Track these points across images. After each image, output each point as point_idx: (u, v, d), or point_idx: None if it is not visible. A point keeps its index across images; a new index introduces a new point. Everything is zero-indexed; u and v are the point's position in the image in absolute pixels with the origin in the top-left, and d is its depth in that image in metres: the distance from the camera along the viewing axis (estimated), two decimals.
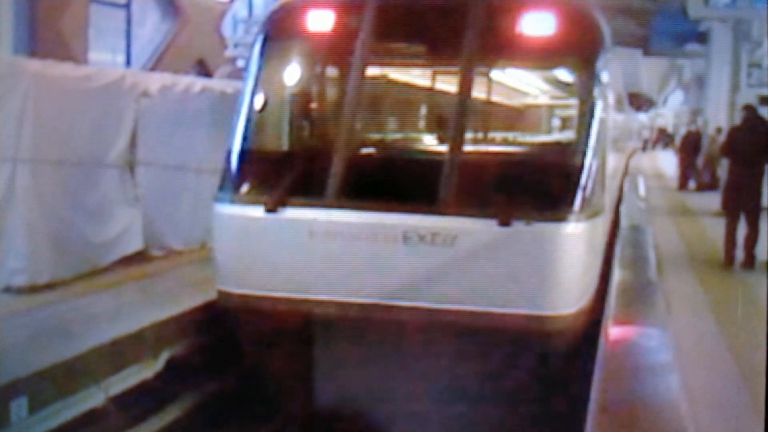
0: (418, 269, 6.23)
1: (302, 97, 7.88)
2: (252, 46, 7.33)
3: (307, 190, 6.53)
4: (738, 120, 11.36)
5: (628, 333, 5.65)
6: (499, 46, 6.94)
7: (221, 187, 6.88)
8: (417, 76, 8.75)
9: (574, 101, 7.81)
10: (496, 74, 8.46)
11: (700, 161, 19.92)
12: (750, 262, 9.38)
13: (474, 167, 6.56)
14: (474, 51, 6.67)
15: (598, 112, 6.73)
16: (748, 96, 16.81)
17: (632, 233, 9.84)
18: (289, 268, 6.48)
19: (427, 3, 6.89)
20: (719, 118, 19.02)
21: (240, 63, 18.28)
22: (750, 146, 9.55)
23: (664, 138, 47.67)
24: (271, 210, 6.44)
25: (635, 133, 34.08)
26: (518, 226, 6.07)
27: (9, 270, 7.46)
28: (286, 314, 6.47)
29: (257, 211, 6.49)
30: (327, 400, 6.67)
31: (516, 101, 11.57)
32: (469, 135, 7.36)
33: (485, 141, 8.25)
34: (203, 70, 18.42)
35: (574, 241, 6.31)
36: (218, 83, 11.11)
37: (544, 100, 11.99)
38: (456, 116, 6.68)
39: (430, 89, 8.41)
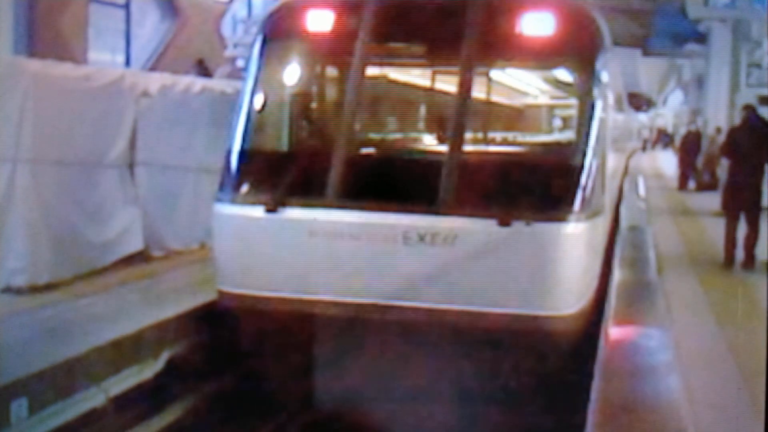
0: (418, 269, 6.23)
1: (302, 97, 7.88)
2: (251, 46, 7.33)
3: (307, 190, 6.53)
4: (738, 120, 11.36)
5: (628, 333, 5.65)
6: (499, 47, 6.94)
7: (221, 187, 6.87)
8: (416, 76, 8.76)
9: (573, 101, 7.82)
10: (495, 74, 8.48)
11: (699, 161, 19.92)
12: (750, 262, 9.38)
13: (474, 167, 6.56)
14: (473, 51, 6.66)
15: (598, 112, 6.72)
16: (747, 96, 16.81)
17: (632, 233, 9.83)
18: (289, 268, 6.48)
19: (426, 3, 6.88)
20: (719, 118, 19.03)
21: (239, 63, 18.30)
22: (750, 146, 9.55)
23: (663, 138, 47.69)
24: (271, 210, 6.44)
25: (635, 133, 34.10)
26: (518, 227, 6.07)
27: (9, 270, 7.46)
28: (286, 314, 6.47)
29: (257, 211, 6.49)
30: (327, 399, 6.67)
31: (516, 101, 11.59)
32: (468, 135, 7.37)
33: (485, 141, 8.26)
34: (203, 70, 18.42)
35: (574, 241, 6.31)
36: (218, 83, 11.11)
37: (543, 100, 12.01)
38: (456, 116, 6.67)
39: (430, 89, 8.41)
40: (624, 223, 10.37)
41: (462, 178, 6.29)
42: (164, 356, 6.72)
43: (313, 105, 8.06)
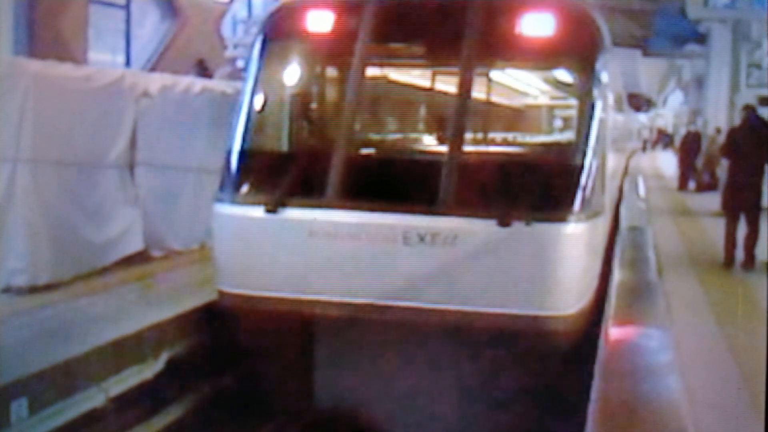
0: (418, 270, 6.23)
1: (302, 98, 7.89)
2: (251, 46, 7.33)
3: (307, 191, 6.53)
4: (738, 120, 11.37)
5: (629, 333, 5.64)
6: (499, 47, 6.94)
7: (221, 188, 6.88)
8: (416, 77, 8.76)
9: (573, 101, 7.82)
10: (495, 75, 8.48)
11: (699, 161, 19.92)
12: (750, 262, 9.39)
13: (474, 167, 6.56)
14: (473, 51, 6.67)
15: (598, 113, 6.73)
16: (747, 96, 16.82)
17: (632, 233, 9.82)
18: (289, 269, 6.48)
19: (426, 3, 6.88)
20: (719, 118, 19.03)
21: (240, 63, 18.29)
22: (750, 146, 9.56)
23: (663, 138, 47.68)
24: (271, 210, 6.44)
25: (635, 133, 34.10)
26: (518, 227, 6.07)
27: (9, 270, 7.46)
28: (285, 314, 6.47)
29: (257, 212, 6.50)
30: (327, 399, 6.67)
31: (516, 102, 11.58)
32: (468, 135, 7.37)
33: (485, 141, 8.26)
34: (203, 70, 18.40)
35: (574, 241, 6.31)
36: (218, 84, 11.11)
37: (543, 100, 12.00)
38: (456, 117, 6.68)
39: (430, 90, 8.41)
40: (624, 223, 10.36)
41: (462, 179, 6.29)
42: (164, 356, 6.73)
43: (313, 105, 8.06)
